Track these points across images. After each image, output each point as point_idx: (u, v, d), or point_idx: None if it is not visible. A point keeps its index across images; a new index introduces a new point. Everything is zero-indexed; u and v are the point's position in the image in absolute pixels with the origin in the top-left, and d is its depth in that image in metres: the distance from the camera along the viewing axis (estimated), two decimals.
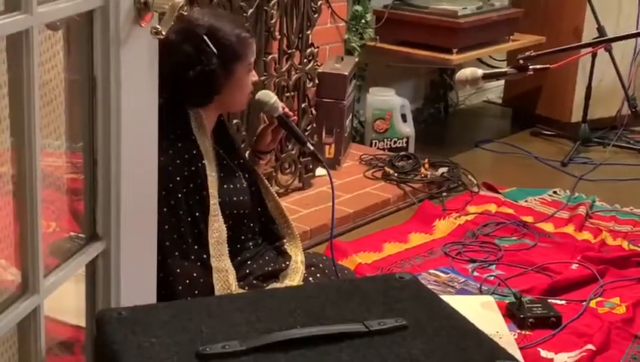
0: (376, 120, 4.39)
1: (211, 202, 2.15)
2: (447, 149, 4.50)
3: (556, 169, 4.39)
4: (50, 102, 1.49)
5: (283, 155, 3.63)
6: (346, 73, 3.91)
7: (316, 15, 3.67)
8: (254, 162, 2.46)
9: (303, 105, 3.69)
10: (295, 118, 2.68)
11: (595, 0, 4.47)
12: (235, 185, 2.27)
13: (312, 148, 2.44)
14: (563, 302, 2.92)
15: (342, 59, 4.12)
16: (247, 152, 2.66)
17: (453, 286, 3.06)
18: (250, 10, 3.27)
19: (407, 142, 4.42)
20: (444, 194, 3.92)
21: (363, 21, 4.40)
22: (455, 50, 4.27)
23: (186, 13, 1.49)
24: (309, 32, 3.64)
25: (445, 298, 1.52)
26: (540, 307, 2.78)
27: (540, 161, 4.50)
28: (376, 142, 4.41)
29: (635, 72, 4.81)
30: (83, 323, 1.60)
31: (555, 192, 4.01)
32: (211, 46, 2.13)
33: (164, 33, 1.46)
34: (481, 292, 3.00)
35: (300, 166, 3.71)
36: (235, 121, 3.26)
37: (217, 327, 1.33)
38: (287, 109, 2.43)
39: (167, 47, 1.88)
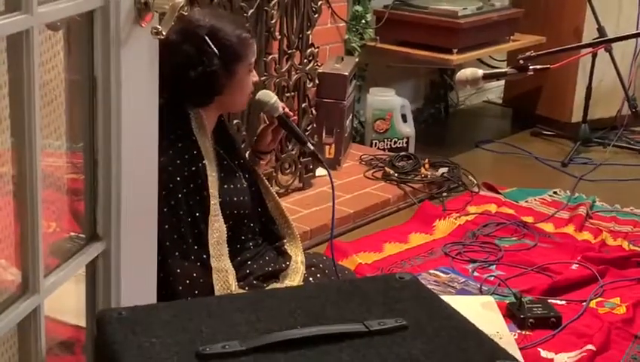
0: (376, 120, 4.39)
1: (212, 202, 2.15)
2: (447, 149, 4.50)
3: (556, 169, 4.39)
4: (51, 102, 1.49)
5: (283, 155, 3.63)
6: (346, 73, 3.91)
7: (316, 15, 3.67)
8: (254, 162, 2.46)
9: (303, 106, 3.69)
10: (295, 118, 2.68)
11: (596, 0, 4.47)
12: (236, 185, 2.27)
13: (312, 148, 2.44)
14: (563, 302, 2.92)
15: (342, 59, 4.12)
16: (248, 152, 2.66)
17: (453, 287, 3.06)
18: (251, 11, 3.27)
19: (407, 143, 4.42)
20: (445, 194, 3.92)
21: (363, 21, 4.40)
22: (455, 51, 4.27)
23: (186, 14, 1.49)
24: (309, 32, 3.64)
25: (445, 298, 1.52)
26: (540, 307, 2.78)
27: (540, 161, 4.50)
28: (376, 143, 4.41)
29: (635, 73, 4.82)
30: (83, 323, 1.60)
31: (555, 192, 4.01)
32: (213, 47, 2.13)
33: (164, 33, 1.46)
34: (481, 292, 3.01)
35: (300, 166, 3.71)
36: (235, 121, 3.26)
37: (217, 327, 1.33)
38: (287, 109, 2.43)
39: (168, 47, 1.88)
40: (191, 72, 2.13)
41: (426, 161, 4.07)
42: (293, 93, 3.63)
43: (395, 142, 4.40)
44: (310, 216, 3.47)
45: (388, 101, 4.41)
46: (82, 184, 1.55)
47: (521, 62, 2.49)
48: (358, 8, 4.38)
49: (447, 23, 4.28)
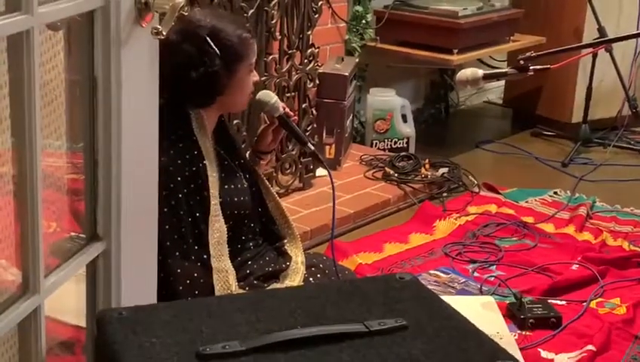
0: (376, 120, 4.40)
1: (212, 202, 2.15)
2: (447, 150, 4.50)
3: (557, 169, 4.39)
4: (51, 102, 1.49)
5: (283, 156, 3.63)
6: (347, 73, 3.91)
7: (317, 15, 3.67)
8: (255, 162, 2.46)
9: (303, 106, 3.69)
10: (296, 118, 2.68)
11: (596, 0, 4.47)
12: (236, 185, 2.27)
13: (312, 148, 2.44)
14: (563, 302, 2.92)
15: (342, 59, 4.12)
16: (248, 153, 2.66)
17: (453, 287, 3.06)
18: (251, 11, 3.27)
19: (407, 143, 4.42)
20: (445, 194, 3.92)
21: (363, 21, 4.40)
22: (455, 51, 4.27)
23: (186, 14, 1.49)
24: (309, 32, 3.64)
25: (446, 298, 1.52)
26: (540, 307, 2.78)
27: (540, 161, 4.50)
28: (376, 143, 4.41)
29: (635, 73, 4.81)
30: (83, 324, 1.60)
31: (555, 193, 4.01)
32: (214, 47, 2.13)
33: (164, 33, 1.46)
34: (481, 292, 3.01)
35: (300, 166, 3.71)
36: (235, 122, 3.26)
37: (218, 327, 1.33)
38: (287, 109, 2.43)
39: (169, 47, 1.88)
40: (192, 73, 2.13)
41: (427, 161, 4.07)
42: (293, 94, 3.63)
43: (396, 143, 4.40)
44: (310, 216, 3.47)
45: (388, 101, 4.41)
46: (82, 184, 1.55)
47: (522, 62, 2.49)
48: (359, 8, 4.38)
49: (448, 23, 4.28)
